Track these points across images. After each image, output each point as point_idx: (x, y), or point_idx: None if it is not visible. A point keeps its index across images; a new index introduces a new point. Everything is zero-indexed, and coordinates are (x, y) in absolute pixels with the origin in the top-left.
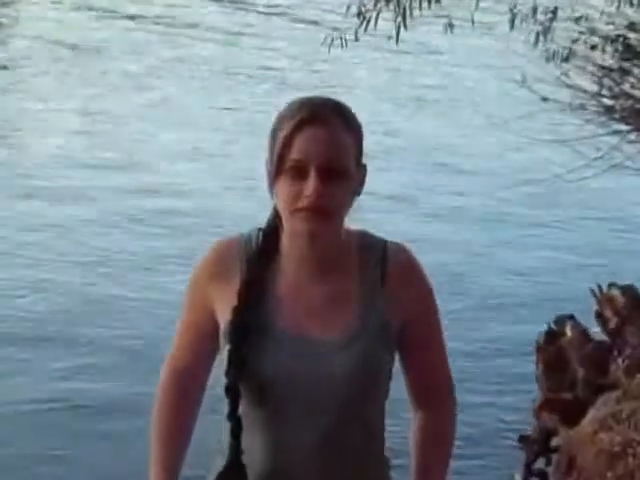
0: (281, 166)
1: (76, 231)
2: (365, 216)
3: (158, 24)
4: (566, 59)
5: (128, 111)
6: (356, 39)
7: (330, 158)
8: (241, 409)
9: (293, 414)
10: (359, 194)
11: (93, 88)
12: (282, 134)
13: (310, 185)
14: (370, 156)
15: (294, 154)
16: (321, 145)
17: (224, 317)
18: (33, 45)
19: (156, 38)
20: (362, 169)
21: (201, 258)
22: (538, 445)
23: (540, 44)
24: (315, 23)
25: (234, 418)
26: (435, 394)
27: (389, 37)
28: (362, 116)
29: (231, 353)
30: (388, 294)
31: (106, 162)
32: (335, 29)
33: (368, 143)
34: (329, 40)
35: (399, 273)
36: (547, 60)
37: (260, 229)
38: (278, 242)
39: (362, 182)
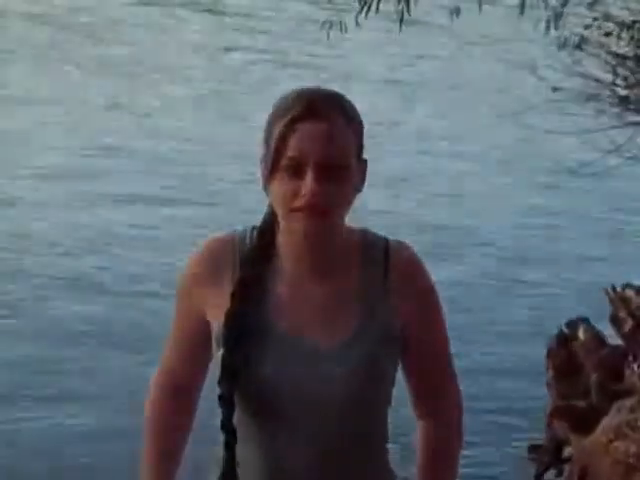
0: (277, 163)
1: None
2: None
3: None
4: (579, 46)
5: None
6: (357, 24)
7: (328, 155)
8: (236, 418)
9: (291, 421)
10: (360, 191)
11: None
12: (277, 129)
13: (307, 184)
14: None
15: (290, 151)
16: (318, 141)
17: (217, 320)
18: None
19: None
20: (363, 164)
21: (191, 257)
22: (549, 455)
23: (551, 30)
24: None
25: (229, 428)
26: (438, 401)
27: (401, 17)
28: (362, 105)
29: (225, 359)
30: (390, 294)
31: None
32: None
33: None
34: (327, 25)
35: (401, 272)
36: (559, 47)
37: (255, 227)
38: (274, 241)
39: (363, 178)
